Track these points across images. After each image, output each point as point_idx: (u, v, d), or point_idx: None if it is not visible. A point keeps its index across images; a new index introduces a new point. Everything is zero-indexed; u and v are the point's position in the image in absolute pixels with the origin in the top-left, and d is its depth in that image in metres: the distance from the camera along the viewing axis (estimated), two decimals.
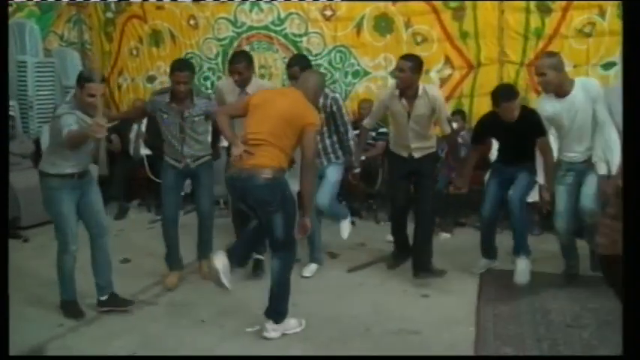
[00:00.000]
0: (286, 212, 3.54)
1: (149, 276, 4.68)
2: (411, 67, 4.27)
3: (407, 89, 4.34)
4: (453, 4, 5.94)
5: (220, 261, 3.54)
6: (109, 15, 7.52)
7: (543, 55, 4.20)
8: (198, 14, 7.00)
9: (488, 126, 4.40)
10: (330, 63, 6.55)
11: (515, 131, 4.16)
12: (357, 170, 4.70)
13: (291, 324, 3.73)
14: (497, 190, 4.43)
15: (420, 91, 4.35)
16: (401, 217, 4.76)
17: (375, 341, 3.58)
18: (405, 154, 4.58)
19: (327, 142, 4.57)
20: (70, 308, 3.98)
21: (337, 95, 4.55)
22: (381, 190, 6.17)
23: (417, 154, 4.53)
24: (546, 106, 4.05)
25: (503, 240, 4.68)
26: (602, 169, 3.92)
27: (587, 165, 4.03)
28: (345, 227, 4.79)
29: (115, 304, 4.03)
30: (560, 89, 3.93)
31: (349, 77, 6.54)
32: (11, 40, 6.85)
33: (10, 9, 6.89)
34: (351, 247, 5.21)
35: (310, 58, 6.44)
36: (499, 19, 5.77)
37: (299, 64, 4.44)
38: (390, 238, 5.30)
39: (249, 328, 3.73)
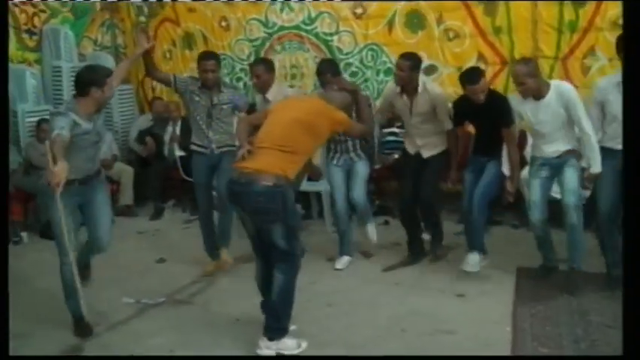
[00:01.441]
0: (287, 223, 3.32)
1: (185, 275, 4.74)
2: (409, 66, 4.46)
3: (406, 86, 4.54)
4: None
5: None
6: (142, 19, 7.60)
7: (518, 62, 4.18)
8: (230, 16, 7.02)
9: (461, 106, 4.48)
10: (361, 61, 6.52)
11: (484, 114, 4.26)
12: (377, 167, 4.98)
13: (289, 344, 3.44)
14: (473, 181, 4.45)
15: (420, 88, 4.51)
16: (408, 214, 4.84)
17: (410, 342, 3.56)
18: (412, 151, 4.74)
19: (375, 141, 4.88)
20: (76, 325, 3.77)
21: (368, 94, 4.65)
22: None
23: (425, 153, 4.68)
24: (522, 106, 4.14)
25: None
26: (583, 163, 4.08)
27: (562, 160, 4.09)
28: (373, 230, 4.89)
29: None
30: (538, 93, 4.02)
31: (381, 75, 6.47)
32: (46, 45, 7.00)
33: (44, 15, 7.04)
34: (385, 246, 5.19)
35: (341, 57, 6.54)
36: (532, 12, 5.64)
37: (330, 71, 4.57)
38: (427, 237, 5.28)
39: None
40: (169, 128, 6.93)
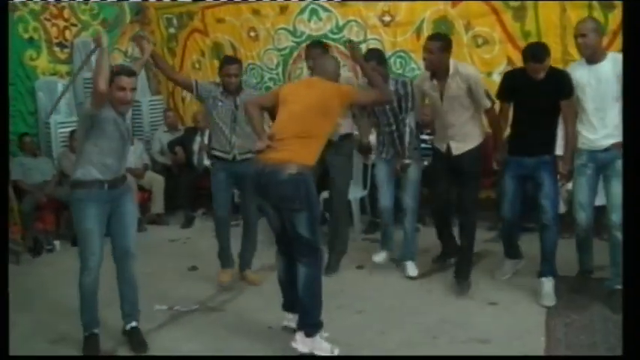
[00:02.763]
0: (311, 212, 3.41)
1: (216, 283, 4.78)
2: (439, 47, 4.20)
3: (436, 70, 4.29)
4: (513, 4, 5.83)
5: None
6: (172, 31, 7.73)
7: (583, 19, 4.12)
8: (259, 26, 7.10)
9: (513, 79, 4.24)
10: (390, 69, 6.52)
11: (540, 90, 4.01)
12: (407, 162, 4.56)
13: (324, 347, 3.48)
14: (516, 187, 4.24)
15: (452, 70, 4.25)
16: (442, 216, 4.74)
17: (442, 350, 3.54)
18: (443, 146, 4.46)
19: (407, 130, 4.56)
20: (87, 341, 3.67)
21: (406, 80, 4.61)
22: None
23: (455, 150, 4.39)
24: (574, 72, 4.02)
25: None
26: None
27: (609, 156, 3.90)
28: (413, 268, 4.78)
29: (131, 341, 3.75)
30: (594, 55, 3.91)
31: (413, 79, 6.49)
32: (77, 58, 7.13)
33: (75, 29, 7.21)
34: (417, 253, 5.17)
35: None
36: (561, 17, 5.61)
37: (375, 59, 4.42)
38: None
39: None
40: (198, 138, 7.01)
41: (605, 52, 4.01)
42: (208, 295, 4.56)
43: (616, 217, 3.87)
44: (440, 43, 4.23)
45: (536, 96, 4.04)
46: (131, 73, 3.57)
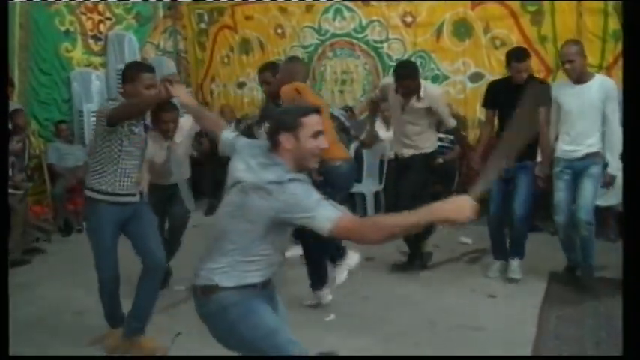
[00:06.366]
0: None
1: None
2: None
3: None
4: (531, 9, 5.97)
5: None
6: (202, 26, 8.04)
7: (568, 42, 4.29)
8: (285, 23, 7.36)
9: (497, 87, 4.49)
10: None
11: (520, 97, 4.17)
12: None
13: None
14: (499, 187, 4.47)
15: (422, 93, 4.51)
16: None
17: (438, 335, 3.74)
18: (393, 153, 4.87)
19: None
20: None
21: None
22: (458, 191, 6.21)
23: (406, 154, 4.72)
24: (561, 90, 4.22)
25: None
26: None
27: (585, 163, 4.15)
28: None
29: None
30: (581, 76, 4.11)
31: (429, 82, 6.63)
32: (111, 50, 7.47)
33: (109, 22, 7.53)
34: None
35: (391, 63, 6.75)
36: (577, 22, 5.76)
37: (269, 70, 4.65)
38: (464, 240, 5.42)
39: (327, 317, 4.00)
40: None
41: (593, 73, 4.24)
42: None
43: (584, 215, 4.11)
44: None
45: (517, 102, 4.21)
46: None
